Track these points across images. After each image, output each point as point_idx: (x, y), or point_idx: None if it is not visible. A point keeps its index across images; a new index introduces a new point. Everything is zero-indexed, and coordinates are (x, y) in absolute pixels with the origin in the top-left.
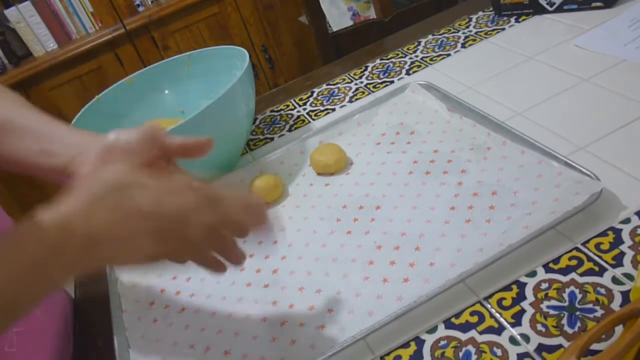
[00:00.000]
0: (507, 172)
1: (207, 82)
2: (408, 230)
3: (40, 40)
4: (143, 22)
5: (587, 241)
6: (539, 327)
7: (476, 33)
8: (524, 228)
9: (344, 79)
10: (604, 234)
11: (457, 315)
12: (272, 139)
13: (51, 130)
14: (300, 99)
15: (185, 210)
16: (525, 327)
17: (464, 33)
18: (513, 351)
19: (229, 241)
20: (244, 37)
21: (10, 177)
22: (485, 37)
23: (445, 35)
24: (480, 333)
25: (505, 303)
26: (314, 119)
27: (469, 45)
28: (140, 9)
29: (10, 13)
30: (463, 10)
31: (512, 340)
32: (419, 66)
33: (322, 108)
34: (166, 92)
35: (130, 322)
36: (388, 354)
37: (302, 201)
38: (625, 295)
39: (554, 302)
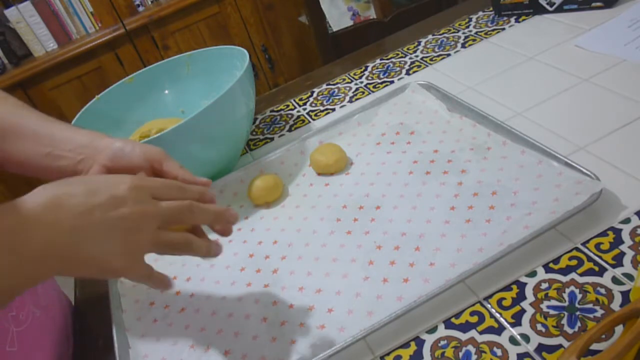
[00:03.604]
0: (507, 172)
1: (207, 82)
2: (408, 230)
3: (40, 40)
4: (143, 22)
5: (587, 241)
6: (539, 327)
7: (476, 33)
8: (524, 228)
9: (344, 79)
10: (604, 234)
11: (457, 315)
12: (272, 139)
13: (55, 132)
14: (300, 99)
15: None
16: (525, 327)
17: (464, 33)
18: (513, 351)
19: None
20: (244, 37)
21: (10, 177)
22: (485, 37)
23: (445, 35)
24: (480, 333)
25: (505, 303)
26: (314, 119)
27: (469, 45)
28: (140, 9)
29: (10, 13)
30: (463, 10)
31: (512, 340)
32: (419, 66)
33: (322, 108)
34: (166, 92)
35: (130, 322)
36: (388, 354)
37: (302, 201)
38: (625, 295)
39: (554, 302)
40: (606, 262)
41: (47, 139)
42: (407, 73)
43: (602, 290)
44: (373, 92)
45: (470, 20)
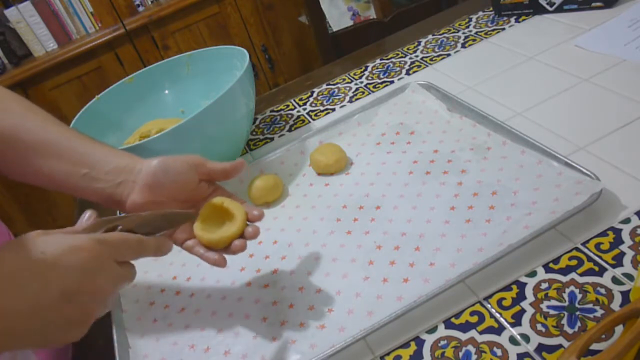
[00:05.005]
0: (507, 172)
1: (207, 82)
2: (408, 230)
3: (40, 40)
4: (143, 22)
5: (587, 241)
6: (539, 327)
7: (476, 33)
8: (524, 228)
9: (344, 79)
10: (604, 234)
11: (457, 315)
12: (272, 139)
13: (92, 153)
14: (300, 99)
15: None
16: (525, 327)
17: (464, 33)
18: (513, 351)
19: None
20: (244, 37)
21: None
22: (485, 37)
23: (445, 35)
24: (480, 333)
25: (505, 303)
26: (314, 119)
27: (469, 45)
28: (140, 9)
29: (10, 13)
30: (463, 10)
31: (512, 340)
32: (419, 66)
33: (322, 108)
34: (166, 92)
35: (130, 322)
36: (388, 354)
37: (302, 201)
38: (625, 295)
39: (554, 302)
40: (606, 262)
41: (83, 160)
42: (407, 73)
43: (602, 290)
44: (373, 92)
45: (470, 20)
